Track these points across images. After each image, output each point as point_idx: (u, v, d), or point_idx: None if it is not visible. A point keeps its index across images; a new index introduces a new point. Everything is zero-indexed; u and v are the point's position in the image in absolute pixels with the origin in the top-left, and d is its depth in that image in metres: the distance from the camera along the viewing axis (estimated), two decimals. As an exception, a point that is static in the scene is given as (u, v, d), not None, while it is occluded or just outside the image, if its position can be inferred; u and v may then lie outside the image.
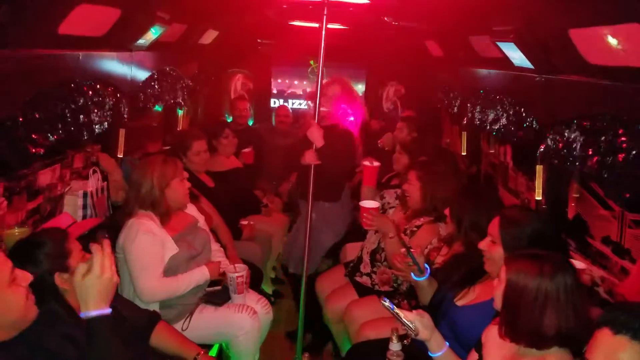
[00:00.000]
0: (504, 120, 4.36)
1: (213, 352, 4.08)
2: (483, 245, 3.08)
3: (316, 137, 4.42)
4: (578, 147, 3.16)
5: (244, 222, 5.85)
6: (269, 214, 6.44)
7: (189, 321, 3.94)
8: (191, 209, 4.28)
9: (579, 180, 3.83)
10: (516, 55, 3.95)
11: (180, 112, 7.10)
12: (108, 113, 3.95)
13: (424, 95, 7.83)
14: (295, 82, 9.35)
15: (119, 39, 4.09)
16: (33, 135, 2.98)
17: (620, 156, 2.80)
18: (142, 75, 4.83)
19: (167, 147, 5.85)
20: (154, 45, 4.79)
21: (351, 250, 5.36)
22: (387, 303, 2.86)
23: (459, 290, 3.26)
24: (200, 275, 3.99)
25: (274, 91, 9.39)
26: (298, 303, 4.38)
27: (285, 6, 4.74)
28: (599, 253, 3.58)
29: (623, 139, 2.80)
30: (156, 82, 5.09)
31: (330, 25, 4.13)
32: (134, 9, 3.90)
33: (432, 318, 2.89)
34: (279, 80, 9.38)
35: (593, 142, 3.01)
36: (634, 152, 2.74)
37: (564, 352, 2.36)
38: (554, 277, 2.35)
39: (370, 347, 3.76)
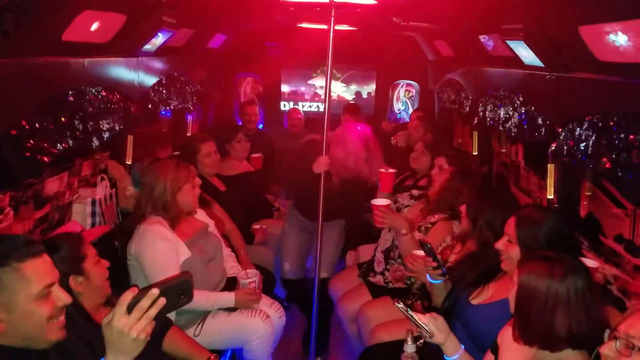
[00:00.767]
0: (515, 119, 4.33)
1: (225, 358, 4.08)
2: (500, 245, 3.06)
3: (322, 167, 4.37)
4: (590, 145, 3.12)
5: (256, 226, 5.84)
6: (281, 218, 6.41)
7: (202, 327, 3.93)
8: (200, 214, 4.27)
9: (591, 178, 3.80)
10: (526, 54, 3.92)
11: (189, 117, 7.10)
12: (116, 120, 3.94)
13: (434, 95, 7.80)
14: (302, 88, 9.33)
15: (125, 45, 4.08)
16: (41, 144, 2.97)
17: (634, 152, 2.76)
18: (149, 81, 4.82)
19: (177, 153, 5.85)
20: (162, 51, 4.78)
21: (365, 252, 5.34)
22: (400, 305, 2.84)
23: (474, 289, 3.24)
24: (225, 299, 4.00)
25: (284, 94, 9.36)
26: (310, 306, 4.35)
27: (292, 9, 4.73)
28: (612, 251, 3.55)
29: (636, 136, 2.76)
30: (164, 88, 5.08)
31: (338, 27, 4.11)
32: (140, 14, 3.89)
33: (446, 318, 2.87)
34: (289, 83, 9.35)
35: (605, 140, 2.97)
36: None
37: (580, 354, 2.34)
38: (565, 279, 2.34)
39: (384, 350, 3.74)
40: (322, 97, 7.63)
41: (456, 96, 6.35)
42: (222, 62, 7.67)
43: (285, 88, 9.25)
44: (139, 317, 1.95)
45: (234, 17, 5.85)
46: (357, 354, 4.25)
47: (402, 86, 9.27)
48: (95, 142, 3.65)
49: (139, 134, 5.14)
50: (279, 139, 7.85)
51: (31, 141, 2.88)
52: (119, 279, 3.76)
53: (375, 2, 3.94)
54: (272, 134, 8.10)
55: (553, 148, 3.54)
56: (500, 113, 4.65)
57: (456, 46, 6.16)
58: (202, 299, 3.83)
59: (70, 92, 3.31)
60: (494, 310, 3.00)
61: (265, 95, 9.26)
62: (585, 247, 3.83)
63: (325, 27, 4.09)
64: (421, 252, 3.52)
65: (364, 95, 9.21)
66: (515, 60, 4.19)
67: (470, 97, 5.79)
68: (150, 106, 4.82)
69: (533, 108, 4.06)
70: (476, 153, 6.41)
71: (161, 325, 3.37)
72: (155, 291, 1.96)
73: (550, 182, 4.18)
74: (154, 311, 1.97)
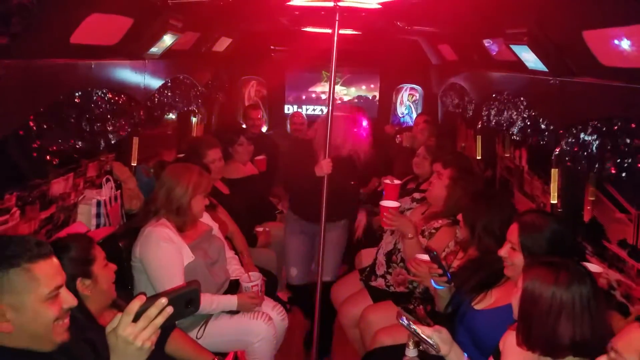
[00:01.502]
0: (519, 124, 4.33)
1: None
2: (503, 252, 3.05)
3: (325, 170, 4.39)
4: (594, 149, 3.12)
5: (260, 229, 5.85)
6: (284, 221, 6.42)
7: (204, 329, 3.94)
8: (205, 217, 4.28)
9: (594, 183, 3.80)
10: (530, 58, 3.92)
11: (194, 120, 7.12)
12: (123, 122, 3.96)
13: (438, 99, 7.81)
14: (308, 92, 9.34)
15: (132, 48, 4.11)
16: (47, 145, 2.98)
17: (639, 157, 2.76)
18: (155, 83, 4.84)
19: (182, 155, 5.87)
20: (167, 53, 4.80)
21: (367, 256, 5.34)
22: (404, 322, 2.84)
23: (477, 294, 3.24)
24: (228, 302, 4.02)
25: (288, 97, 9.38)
26: (313, 310, 4.36)
27: (297, 13, 4.74)
28: (616, 256, 3.54)
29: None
30: (169, 90, 5.10)
31: (342, 31, 4.12)
32: (146, 17, 3.91)
33: (450, 323, 2.87)
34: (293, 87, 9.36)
35: (609, 145, 2.97)
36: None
37: None
38: (570, 286, 2.33)
39: (386, 354, 3.75)
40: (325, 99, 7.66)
41: (460, 100, 6.35)
42: (227, 65, 7.69)
43: (289, 91, 9.26)
44: (145, 326, 1.92)
45: (239, 21, 5.86)
46: (360, 357, 4.25)
47: (406, 90, 9.27)
48: (102, 144, 3.67)
49: (144, 135, 5.15)
50: (282, 142, 7.84)
51: (38, 142, 2.89)
52: (123, 280, 3.77)
53: (379, 6, 3.96)
54: (276, 137, 8.11)
55: (557, 152, 3.54)
56: (504, 117, 4.65)
57: (460, 50, 6.16)
58: (205, 302, 3.83)
59: (77, 94, 3.32)
60: (497, 315, 3.00)
61: (269, 98, 9.27)
62: (588, 252, 3.82)
63: (329, 31, 4.11)
64: (424, 256, 3.53)
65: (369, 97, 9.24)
66: (519, 65, 4.19)
67: (474, 101, 5.80)
68: (155, 108, 4.84)
69: (537, 113, 4.06)
70: (480, 157, 6.41)
71: (164, 327, 3.37)
72: (163, 300, 1.94)
73: (554, 186, 4.17)
74: (160, 320, 1.94)
